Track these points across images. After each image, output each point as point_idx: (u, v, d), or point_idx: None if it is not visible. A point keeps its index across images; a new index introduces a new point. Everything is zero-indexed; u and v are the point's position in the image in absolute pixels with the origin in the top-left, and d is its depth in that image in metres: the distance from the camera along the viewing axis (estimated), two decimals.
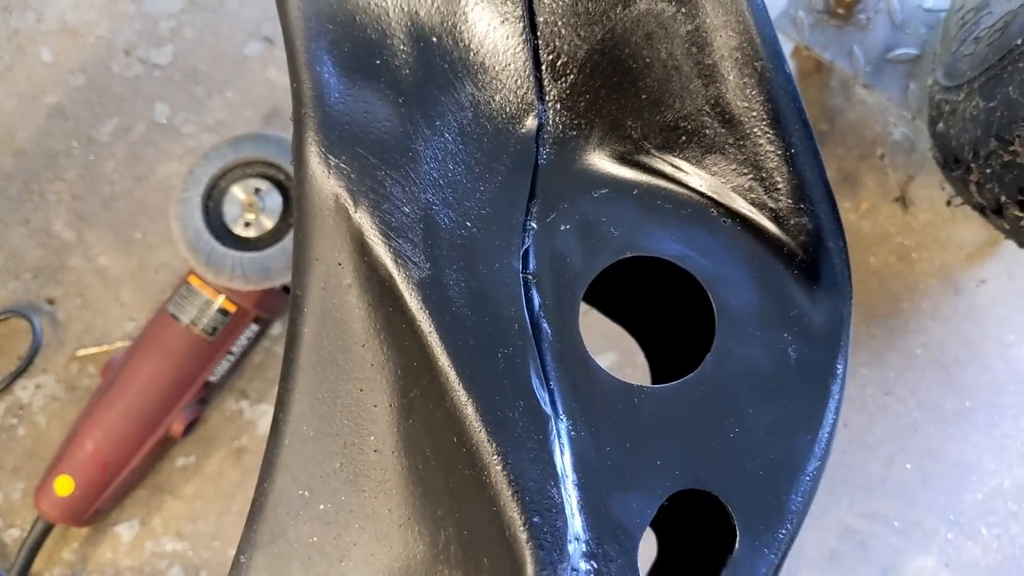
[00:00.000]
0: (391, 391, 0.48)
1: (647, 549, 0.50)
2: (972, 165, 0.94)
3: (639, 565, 0.46)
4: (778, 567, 0.48)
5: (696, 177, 0.54)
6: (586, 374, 0.49)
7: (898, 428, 1.28)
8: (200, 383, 1.22)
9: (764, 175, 0.53)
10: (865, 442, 1.28)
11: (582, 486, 0.46)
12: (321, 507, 0.48)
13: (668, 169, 0.54)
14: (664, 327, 0.65)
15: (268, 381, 1.31)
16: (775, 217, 0.53)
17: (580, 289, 0.51)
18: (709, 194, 0.54)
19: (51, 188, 1.35)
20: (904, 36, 1.15)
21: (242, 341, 1.24)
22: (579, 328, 0.50)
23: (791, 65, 1.29)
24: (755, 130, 0.52)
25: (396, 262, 0.47)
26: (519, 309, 0.49)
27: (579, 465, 0.46)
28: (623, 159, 0.54)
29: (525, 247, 0.51)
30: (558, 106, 0.54)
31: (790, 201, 0.52)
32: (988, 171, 0.92)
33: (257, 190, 1.17)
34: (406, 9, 0.52)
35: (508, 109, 0.53)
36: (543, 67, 0.54)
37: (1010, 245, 1.28)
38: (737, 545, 0.48)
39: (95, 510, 1.22)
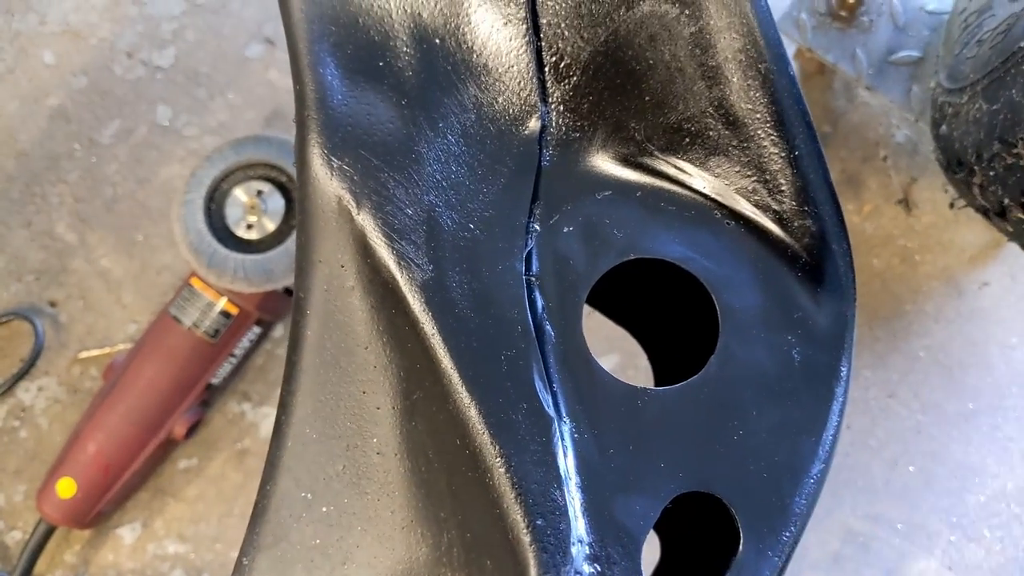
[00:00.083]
0: (394, 393, 0.48)
1: (650, 552, 0.50)
2: (975, 168, 0.94)
3: (643, 568, 0.46)
4: (782, 569, 0.48)
5: (699, 179, 0.54)
6: (589, 376, 0.49)
7: (901, 430, 1.28)
8: (202, 385, 1.22)
9: (768, 177, 0.52)
10: (868, 444, 1.27)
11: (585, 488, 0.46)
12: (324, 509, 0.48)
13: (671, 171, 0.54)
14: (667, 329, 0.65)
15: (270, 383, 1.31)
16: (779, 219, 0.53)
17: (583, 291, 0.51)
18: (713, 196, 0.54)
19: (53, 190, 1.35)
20: (907, 38, 1.15)
21: (244, 343, 1.24)
22: (582, 330, 0.50)
23: (794, 68, 1.29)
24: (759, 132, 0.52)
25: (399, 264, 0.47)
26: (522, 311, 0.49)
27: (582, 467, 0.46)
28: (626, 161, 0.54)
29: (528, 249, 0.51)
30: (561, 108, 0.54)
31: (794, 203, 0.52)
32: (991, 174, 0.92)
33: (259, 192, 1.17)
34: (409, 11, 0.52)
35: (511, 111, 0.53)
36: (546, 69, 0.54)
37: (1013, 248, 1.28)
38: (741, 547, 0.48)
39: (97, 512, 1.21)
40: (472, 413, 0.45)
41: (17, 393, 1.31)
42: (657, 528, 0.49)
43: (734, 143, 0.53)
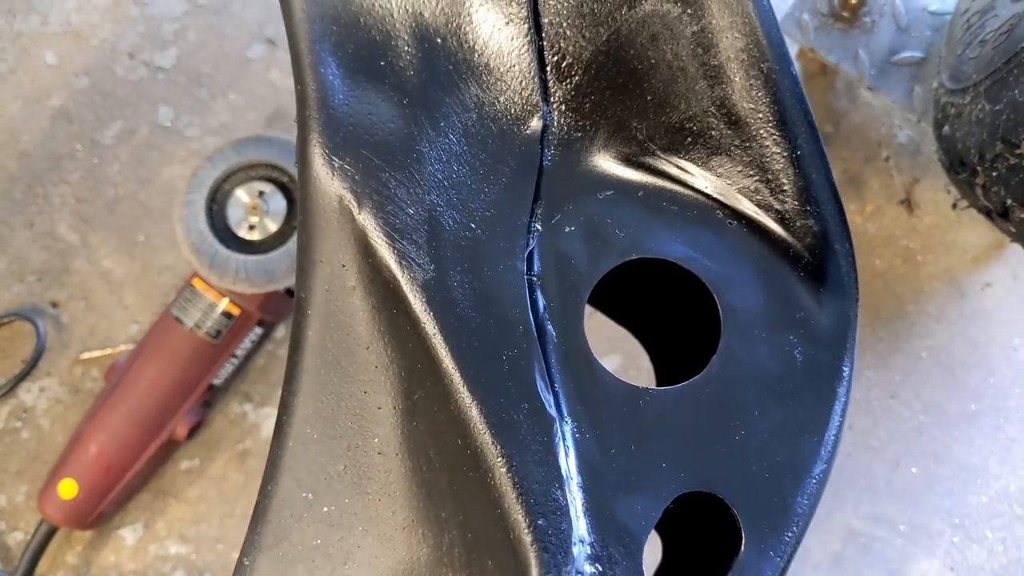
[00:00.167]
0: (395, 393, 0.48)
1: (652, 553, 0.50)
2: (978, 168, 0.94)
3: (644, 568, 0.46)
4: (784, 570, 0.48)
5: (702, 179, 0.54)
6: (591, 376, 0.49)
7: (903, 431, 1.28)
8: (204, 386, 1.22)
9: (770, 177, 0.52)
10: (870, 445, 1.27)
11: (587, 488, 0.46)
12: (325, 509, 0.48)
13: (673, 171, 0.54)
14: (669, 329, 0.65)
15: (272, 384, 1.31)
16: (781, 219, 0.53)
17: (585, 291, 0.51)
18: (715, 196, 0.54)
19: (55, 191, 1.35)
20: (909, 39, 1.15)
21: (246, 344, 1.24)
22: (584, 330, 0.50)
23: (796, 68, 1.28)
24: (761, 131, 0.52)
25: (400, 264, 0.47)
26: (524, 311, 0.49)
27: (584, 467, 0.46)
28: (628, 161, 0.54)
29: (530, 249, 0.51)
30: (563, 107, 0.54)
31: (796, 203, 0.52)
32: (994, 174, 0.92)
33: (261, 193, 1.17)
34: (410, 10, 0.52)
35: (513, 110, 0.53)
36: (548, 68, 0.54)
37: (1016, 248, 1.28)
38: (742, 548, 0.47)
39: (99, 513, 1.21)
40: (473, 413, 0.45)
41: (19, 394, 1.31)
42: (659, 528, 0.49)
43: (736, 143, 0.52)
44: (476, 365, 0.46)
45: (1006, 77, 0.87)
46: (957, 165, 1.00)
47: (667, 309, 0.62)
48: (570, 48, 0.53)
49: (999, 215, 0.97)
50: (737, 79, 0.51)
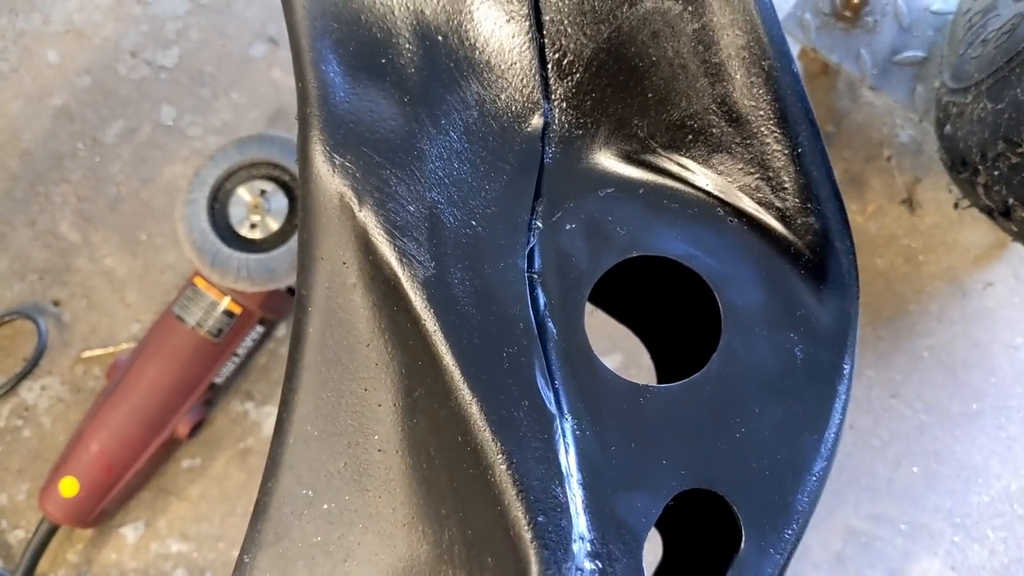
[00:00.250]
0: (395, 390, 0.48)
1: (652, 550, 0.50)
2: (979, 167, 0.94)
3: (644, 565, 0.46)
4: (784, 567, 0.48)
5: (703, 176, 0.54)
6: (591, 373, 0.49)
7: (904, 430, 1.28)
8: (205, 385, 1.22)
9: (771, 174, 0.52)
10: (871, 444, 1.27)
11: (587, 485, 0.46)
12: (325, 507, 0.48)
13: (674, 168, 0.54)
14: (670, 327, 0.65)
15: (273, 383, 1.31)
16: (782, 217, 0.53)
17: (586, 288, 0.51)
18: (716, 193, 0.54)
19: (57, 190, 1.35)
20: (911, 38, 1.15)
21: (247, 343, 1.24)
22: (584, 327, 0.50)
23: (798, 67, 1.28)
24: (762, 129, 0.52)
25: (401, 261, 0.47)
26: (524, 308, 0.49)
27: (584, 464, 0.46)
28: (629, 158, 0.54)
29: (531, 246, 0.51)
30: (564, 105, 0.54)
31: (797, 200, 0.52)
32: (996, 173, 0.92)
33: (263, 192, 1.17)
34: (411, 8, 0.52)
35: (514, 108, 0.53)
36: (549, 65, 0.54)
37: (1017, 248, 1.28)
38: (743, 545, 0.47)
39: (100, 511, 1.22)
40: (473, 410, 0.45)
41: (20, 392, 1.31)
42: (659, 525, 0.48)
43: (737, 140, 0.52)
44: (476, 362, 0.46)
45: (1008, 76, 0.87)
46: (959, 164, 1.00)
47: (668, 307, 0.62)
48: (571, 45, 0.53)
49: (1001, 214, 0.97)
50: (738, 76, 0.51)
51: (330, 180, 0.48)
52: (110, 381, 1.23)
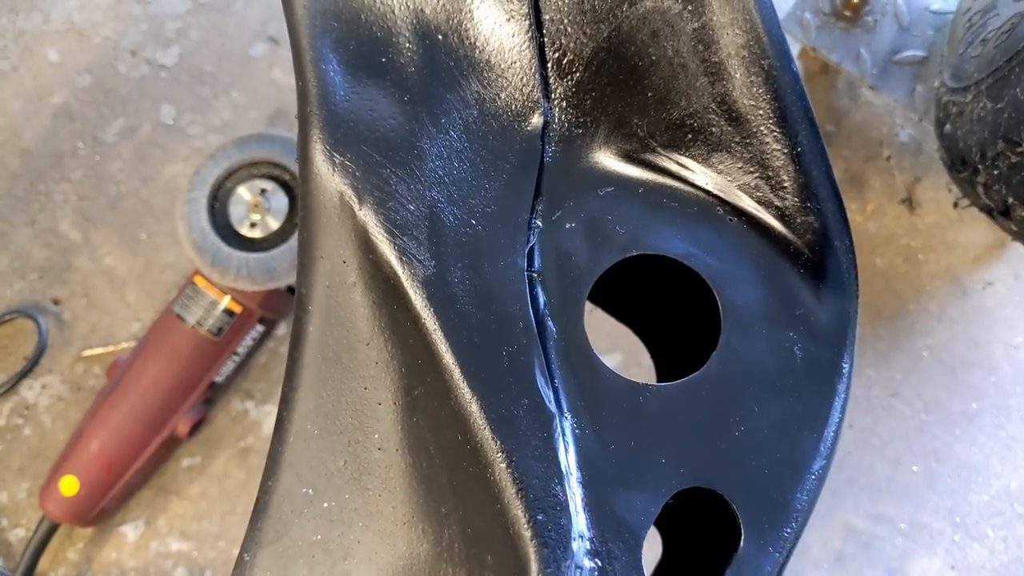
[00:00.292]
0: (395, 389, 0.48)
1: (652, 549, 0.50)
2: (979, 166, 0.94)
3: (643, 563, 0.46)
4: (783, 565, 0.48)
5: (702, 175, 0.54)
6: (591, 372, 0.49)
7: (904, 430, 1.28)
8: (205, 384, 1.22)
9: (770, 173, 0.52)
10: (871, 443, 1.27)
11: (586, 484, 0.46)
12: (325, 505, 0.48)
13: (674, 167, 0.54)
14: (669, 326, 0.65)
15: (273, 382, 1.31)
16: (781, 216, 0.53)
17: (585, 287, 0.51)
18: (715, 192, 0.54)
19: (57, 188, 1.35)
20: (911, 38, 1.15)
21: (247, 342, 1.24)
22: (584, 326, 0.50)
23: (798, 66, 1.28)
24: (761, 128, 0.52)
25: (401, 259, 0.47)
26: (524, 307, 0.49)
27: (583, 463, 0.46)
28: (629, 157, 0.54)
29: (530, 245, 0.51)
30: (564, 104, 0.54)
31: (796, 199, 0.52)
32: (995, 172, 0.92)
33: (263, 191, 1.18)
34: (411, 7, 0.52)
35: (514, 107, 0.53)
36: (549, 65, 0.54)
37: (1017, 247, 1.28)
38: (742, 543, 0.47)
39: (100, 510, 1.22)
40: (473, 408, 0.45)
41: (21, 391, 1.31)
42: (658, 524, 0.49)
43: (737, 139, 0.52)
44: (476, 361, 0.46)
45: (1007, 75, 0.87)
46: (958, 164, 1.00)
47: (667, 305, 0.62)
48: (571, 45, 0.53)
49: (1000, 213, 0.97)
50: (738, 76, 0.51)
51: (330, 179, 0.48)
52: (110, 380, 1.23)
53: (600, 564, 0.44)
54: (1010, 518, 1.25)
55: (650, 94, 0.53)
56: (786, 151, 0.52)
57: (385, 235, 0.47)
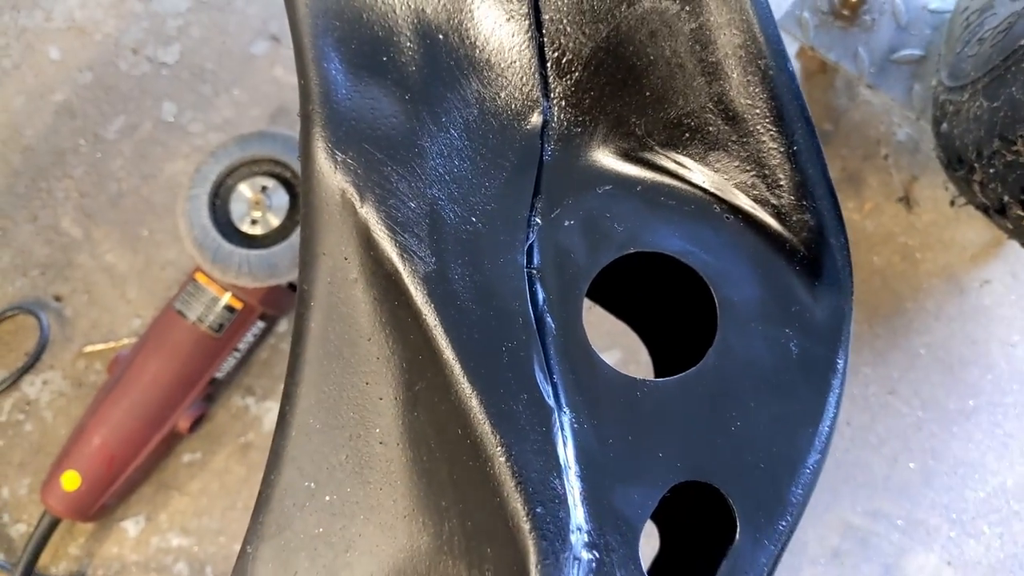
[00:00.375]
0: (396, 384, 0.48)
1: (649, 542, 0.51)
2: (976, 165, 0.94)
3: (641, 556, 0.46)
4: (778, 558, 0.48)
5: (699, 174, 0.54)
6: (589, 368, 0.49)
7: (901, 427, 1.28)
8: (206, 380, 1.23)
9: (767, 172, 0.53)
10: (868, 441, 1.28)
11: (584, 477, 0.46)
12: (327, 499, 0.48)
13: (671, 166, 0.55)
14: (667, 322, 0.65)
15: (274, 378, 1.31)
16: (777, 214, 0.53)
17: (584, 284, 0.52)
18: (712, 190, 0.54)
19: (59, 185, 1.36)
20: (909, 37, 1.15)
21: (248, 338, 1.25)
22: (583, 323, 0.51)
23: (796, 66, 1.29)
24: (758, 127, 0.52)
25: (402, 256, 0.47)
26: (523, 303, 0.49)
27: (582, 457, 0.47)
28: (627, 156, 0.55)
29: (530, 242, 0.51)
30: (563, 103, 0.55)
31: (792, 198, 0.53)
32: (992, 171, 0.92)
33: (264, 188, 1.18)
34: (413, 6, 0.53)
35: (513, 106, 0.54)
36: (548, 64, 0.54)
37: (1014, 246, 1.28)
38: (738, 536, 0.48)
39: (101, 505, 1.22)
40: (473, 403, 0.45)
41: (22, 387, 1.31)
42: (655, 518, 0.49)
43: (733, 138, 0.53)
44: (476, 356, 0.46)
45: (1004, 75, 0.88)
46: (955, 162, 1.00)
47: (665, 302, 0.62)
48: (570, 44, 0.54)
49: (997, 212, 0.98)
50: (735, 75, 0.52)
51: (332, 176, 0.48)
52: (111, 376, 1.23)
53: (598, 556, 0.45)
54: (1006, 515, 1.26)
55: (648, 93, 0.54)
56: (782, 150, 0.52)
57: (386, 232, 0.48)
